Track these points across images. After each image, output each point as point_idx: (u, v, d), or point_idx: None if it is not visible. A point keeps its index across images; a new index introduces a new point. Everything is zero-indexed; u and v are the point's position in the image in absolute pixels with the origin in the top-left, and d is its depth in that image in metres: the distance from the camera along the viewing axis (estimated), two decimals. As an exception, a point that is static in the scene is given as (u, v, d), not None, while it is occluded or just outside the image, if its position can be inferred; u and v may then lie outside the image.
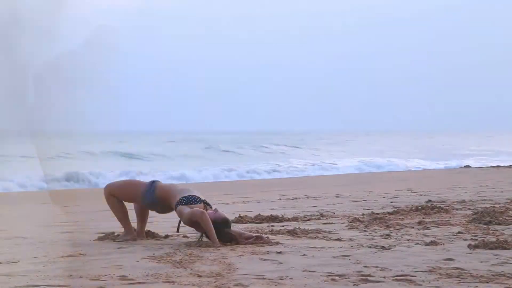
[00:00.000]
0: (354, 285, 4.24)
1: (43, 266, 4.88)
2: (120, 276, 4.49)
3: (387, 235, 6.52)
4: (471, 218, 7.64)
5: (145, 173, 24.50)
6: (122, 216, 6.43)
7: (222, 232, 5.96)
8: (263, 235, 6.28)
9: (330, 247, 5.75)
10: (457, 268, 4.76)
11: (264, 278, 4.42)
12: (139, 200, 6.35)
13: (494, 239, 5.88)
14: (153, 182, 6.38)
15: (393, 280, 4.37)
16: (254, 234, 6.21)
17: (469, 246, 5.71)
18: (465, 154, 43.46)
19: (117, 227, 7.03)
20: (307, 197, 12.32)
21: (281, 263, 4.97)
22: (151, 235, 6.54)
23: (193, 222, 6.01)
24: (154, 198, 6.24)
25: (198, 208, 6.02)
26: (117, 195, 6.42)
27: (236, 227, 7.22)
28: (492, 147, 52.19)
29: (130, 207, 6.55)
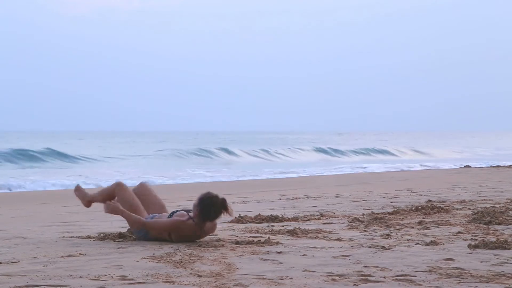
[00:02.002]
0: (354, 285, 4.24)
1: (43, 266, 4.88)
2: (120, 276, 4.49)
3: (387, 235, 6.52)
4: (471, 218, 7.64)
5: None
6: (105, 194, 6.53)
7: (211, 205, 5.98)
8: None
9: (330, 247, 5.75)
10: (457, 268, 4.76)
11: (264, 278, 4.42)
12: (132, 227, 6.34)
13: (494, 239, 5.88)
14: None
15: (393, 280, 4.37)
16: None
17: (469, 246, 5.71)
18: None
19: (117, 227, 7.03)
20: (307, 197, 12.32)
21: (281, 263, 4.97)
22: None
23: (156, 229, 6.13)
24: (147, 237, 6.22)
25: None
26: (123, 195, 6.44)
27: (236, 227, 7.24)
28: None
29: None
